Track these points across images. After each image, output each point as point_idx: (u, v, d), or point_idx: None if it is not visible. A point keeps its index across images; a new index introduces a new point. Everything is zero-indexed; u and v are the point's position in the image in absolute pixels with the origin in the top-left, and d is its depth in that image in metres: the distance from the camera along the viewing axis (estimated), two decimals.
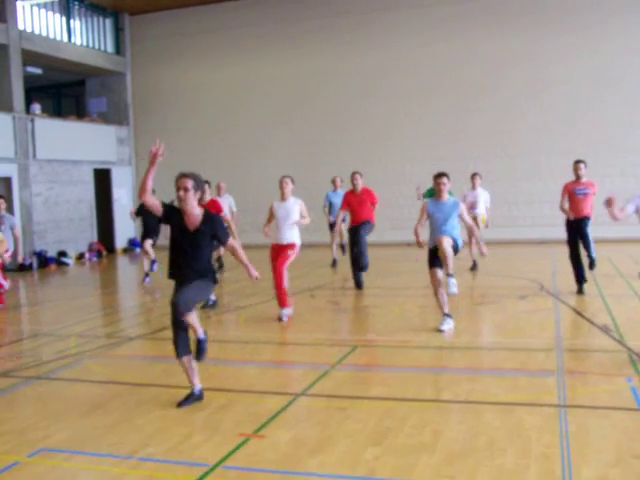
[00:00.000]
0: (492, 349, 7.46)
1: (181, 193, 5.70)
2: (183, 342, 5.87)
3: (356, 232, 11.73)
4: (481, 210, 13.65)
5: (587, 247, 10.52)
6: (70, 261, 18.87)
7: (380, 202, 12.17)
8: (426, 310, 9.65)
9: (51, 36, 19.67)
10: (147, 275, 13.67)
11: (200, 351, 5.82)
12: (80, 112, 22.97)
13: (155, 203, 5.78)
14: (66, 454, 4.93)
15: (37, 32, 19.15)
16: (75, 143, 19.73)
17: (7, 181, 17.67)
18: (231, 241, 6.04)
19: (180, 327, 5.80)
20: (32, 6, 18.98)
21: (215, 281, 5.96)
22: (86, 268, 18.53)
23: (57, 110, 23.38)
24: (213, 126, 21.76)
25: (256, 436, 5.11)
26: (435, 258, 8.47)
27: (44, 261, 18.12)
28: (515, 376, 6.33)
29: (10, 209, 17.70)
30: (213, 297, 10.20)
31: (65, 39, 20.24)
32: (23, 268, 17.55)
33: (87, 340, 8.85)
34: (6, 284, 11.74)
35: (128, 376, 6.95)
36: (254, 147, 21.25)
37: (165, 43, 22.15)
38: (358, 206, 11.81)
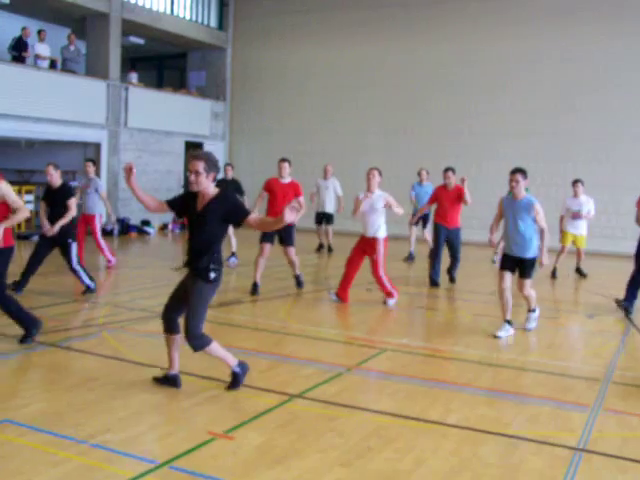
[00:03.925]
0: (530, 370, 6.66)
1: (192, 177, 5.30)
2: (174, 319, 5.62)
3: (449, 237, 11.29)
4: (582, 229, 12.58)
5: None
6: (152, 230, 19.07)
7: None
8: (479, 319, 8.90)
9: (154, 8, 19.84)
10: (233, 254, 13.51)
11: (234, 384, 5.62)
12: (181, 85, 23.18)
13: (162, 208, 5.60)
14: (25, 429, 4.69)
15: (140, 3, 19.33)
16: (169, 114, 19.88)
17: (97, 147, 18.00)
18: (252, 217, 5.36)
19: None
20: None
21: (210, 281, 5.35)
22: (167, 239, 18.69)
23: (159, 81, 23.70)
24: (316, 108, 21.26)
25: (225, 436, 4.68)
26: (507, 261, 7.78)
27: (126, 228, 18.38)
28: (541, 405, 5.57)
29: (97, 174, 18.09)
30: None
31: (168, 11, 20.38)
32: (105, 233, 17.87)
33: (120, 311, 8.72)
34: (113, 259, 12.20)
35: (136, 354, 6.69)
36: (358, 132, 20.66)
37: (269, 21, 21.90)
38: (449, 203, 11.20)
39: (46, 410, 5.09)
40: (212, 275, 5.38)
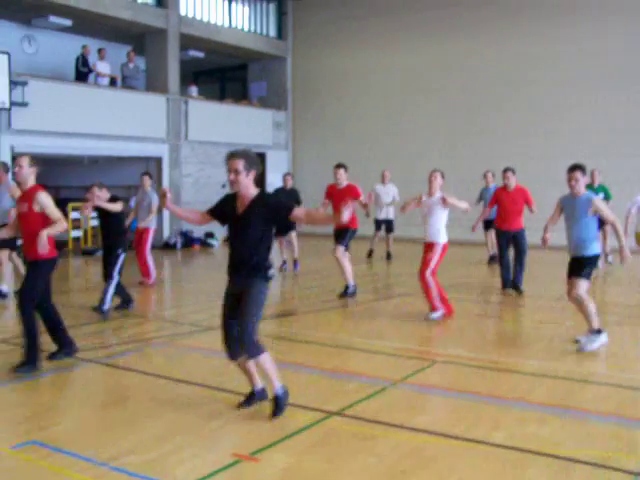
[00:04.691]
0: (591, 383, 6.15)
1: (232, 176, 5.02)
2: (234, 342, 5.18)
3: (514, 239, 10.69)
4: None
5: None
6: (216, 243, 19.09)
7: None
8: (543, 327, 8.37)
9: (212, 21, 19.96)
10: (285, 262, 13.50)
11: (278, 409, 5.16)
12: (244, 96, 23.25)
13: (205, 219, 5.41)
14: (48, 450, 4.56)
15: (198, 17, 19.48)
16: (230, 126, 19.92)
17: (158, 161, 18.19)
18: (297, 210, 5.10)
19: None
20: None
21: (267, 278, 5.13)
22: None
23: (221, 93, 23.85)
24: (377, 114, 20.98)
25: (250, 458, 4.42)
26: (572, 265, 7.26)
27: (189, 241, 18.47)
28: (601, 422, 5.09)
29: (159, 189, 18.26)
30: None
31: (226, 23, 20.47)
32: (167, 246, 18.05)
33: (167, 326, 8.62)
34: (153, 276, 11.65)
35: (175, 370, 6.51)
36: (419, 139, 20.24)
37: (328, 28, 21.74)
38: (510, 205, 10.69)
39: (74, 430, 4.97)
40: (271, 271, 5.14)
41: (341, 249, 9.93)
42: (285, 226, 12.87)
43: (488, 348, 7.50)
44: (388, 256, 15.27)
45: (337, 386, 6.07)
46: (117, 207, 9.01)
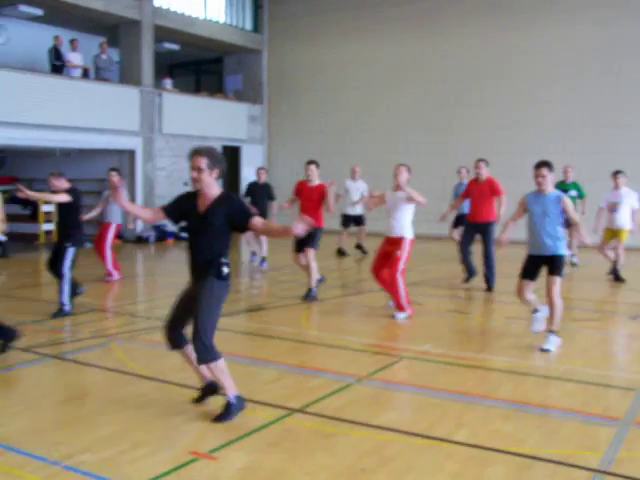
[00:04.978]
0: (559, 379, 6.11)
1: (194, 174, 4.91)
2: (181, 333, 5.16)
3: (480, 233, 10.61)
4: (624, 220, 11.62)
5: None
6: None
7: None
8: (512, 323, 8.33)
9: (187, 13, 19.73)
10: (254, 254, 13.61)
11: (226, 416, 4.94)
12: (219, 89, 23.04)
13: (159, 216, 5.24)
14: (0, 449, 4.41)
15: (172, 9, 19.25)
16: (205, 119, 19.73)
17: (131, 154, 17.96)
18: (256, 220, 4.94)
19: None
20: None
21: (222, 277, 4.94)
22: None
23: (197, 86, 23.63)
24: (352, 109, 20.87)
25: (208, 457, 4.33)
26: (530, 269, 7.19)
27: (163, 235, 18.27)
28: (565, 419, 5.05)
29: (132, 182, 18.08)
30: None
31: (201, 15, 20.26)
32: (141, 240, 17.85)
33: (135, 320, 8.51)
34: (114, 273, 11.40)
35: (138, 366, 6.39)
36: (395, 132, 20.15)
37: (304, 22, 21.60)
38: (478, 197, 10.63)
39: (27, 428, 4.83)
40: (225, 270, 4.92)
41: (312, 252, 9.71)
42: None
43: (456, 344, 7.45)
44: (358, 247, 15.09)
45: (301, 382, 5.98)
46: (57, 198, 8.60)
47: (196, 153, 4.92)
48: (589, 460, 4.31)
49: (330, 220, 15.91)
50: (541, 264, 7.14)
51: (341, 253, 15.12)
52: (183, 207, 5.13)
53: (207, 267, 4.92)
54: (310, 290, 9.73)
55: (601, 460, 4.31)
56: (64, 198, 8.54)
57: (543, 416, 5.14)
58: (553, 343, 6.99)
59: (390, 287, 8.60)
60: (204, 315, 4.81)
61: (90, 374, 6.23)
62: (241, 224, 4.95)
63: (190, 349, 5.05)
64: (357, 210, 14.83)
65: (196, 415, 5.06)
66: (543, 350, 6.93)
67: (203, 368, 5.10)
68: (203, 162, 4.87)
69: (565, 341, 7.40)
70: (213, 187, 4.95)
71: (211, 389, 5.23)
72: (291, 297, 9.89)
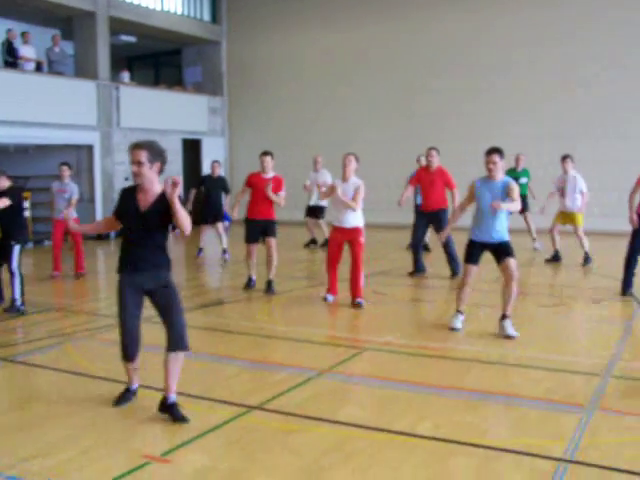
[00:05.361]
0: (523, 367, 6.03)
1: (134, 168, 4.77)
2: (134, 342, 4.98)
3: (433, 220, 10.66)
4: (576, 203, 11.70)
5: None
6: None
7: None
8: (477, 310, 8.22)
9: (144, 4, 19.34)
10: (201, 250, 13.49)
11: (179, 415, 4.81)
12: (179, 82, 22.66)
13: (113, 223, 5.23)
14: None
15: (128, 0, 18.83)
16: (164, 112, 19.36)
17: (89, 149, 17.56)
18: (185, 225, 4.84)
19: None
20: None
21: (170, 269, 4.95)
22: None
23: (156, 79, 23.21)
24: (311, 99, 20.69)
25: (160, 460, 4.15)
26: (475, 254, 7.12)
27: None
28: (529, 407, 4.96)
29: (91, 177, 17.70)
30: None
31: (158, 7, 19.87)
32: (100, 236, 17.46)
33: (92, 319, 8.24)
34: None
35: (93, 366, 6.17)
36: (354, 122, 19.99)
37: (263, 11, 21.28)
38: (429, 185, 10.62)
39: None
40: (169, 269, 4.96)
41: (274, 241, 9.57)
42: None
43: (420, 334, 7.35)
44: (312, 242, 14.87)
45: (262, 378, 5.82)
46: None
47: (136, 147, 4.79)
48: (553, 449, 4.23)
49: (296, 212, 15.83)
50: (484, 251, 7.09)
51: (314, 242, 14.92)
52: (124, 204, 4.96)
53: (159, 265, 4.87)
54: (270, 282, 9.59)
55: (565, 449, 4.22)
56: (3, 203, 8.28)
57: (507, 405, 5.06)
58: (512, 327, 6.98)
59: (353, 278, 8.57)
60: (179, 308, 4.86)
61: (42, 377, 5.99)
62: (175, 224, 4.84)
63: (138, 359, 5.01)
64: (320, 201, 14.61)
65: (152, 417, 4.86)
66: (508, 336, 6.87)
67: (135, 372, 5.10)
68: (143, 155, 4.74)
69: (530, 327, 7.40)
70: (155, 182, 4.82)
71: (133, 394, 5.18)
72: (252, 290, 9.71)
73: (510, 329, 6.94)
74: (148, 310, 5.04)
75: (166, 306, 4.84)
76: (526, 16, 17.82)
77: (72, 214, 10.96)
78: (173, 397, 4.82)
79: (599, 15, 17.06)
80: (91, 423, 4.77)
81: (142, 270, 4.86)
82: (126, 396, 5.16)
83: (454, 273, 10.54)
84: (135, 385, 5.20)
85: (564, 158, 11.90)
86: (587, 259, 11.72)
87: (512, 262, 6.95)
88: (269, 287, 9.55)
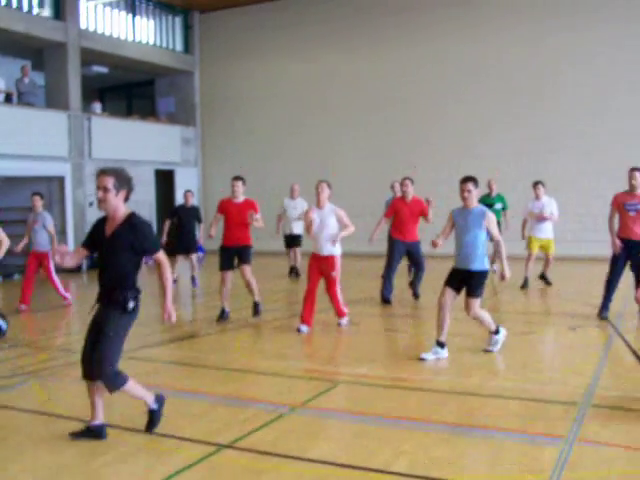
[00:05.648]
0: (501, 397, 5.90)
1: (100, 194, 4.80)
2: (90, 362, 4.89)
3: (410, 250, 10.81)
4: (549, 229, 11.85)
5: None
6: None
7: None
8: (452, 340, 8.07)
9: (115, 35, 19.27)
10: (175, 280, 13.16)
11: (152, 424, 5.02)
12: (152, 112, 22.54)
13: (82, 255, 5.12)
14: None
15: (100, 31, 18.76)
16: (137, 143, 19.22)
17: (61, 180, 17.31)
18: (160, 255, 4.96)
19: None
20: (96, 5, 18.65)
21: (125, 310, 4.83)
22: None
23: (128, 110, 23.07)
24: (285, 127, 20.65)
25: None
26: (453, 279, 7.11)
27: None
28: (507, 440, 4.84)
29: (63, 209, 17.44)
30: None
31: (130, 37, 19.82)
32: (72, 270, 17.16)
33: (59, 355, 7.99)
34: (68, 297, 11.55)
35: (57, 404, 5.95)
36: (328, 150, 19.98)
37: (235, 41, 21.29)
38: (410, 216, 10.59)
39: None
40: (131, 305, 4.85)
41: (249, 268, 9.51)
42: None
43: (394, 365, 7.19)
44: (292, 271, 14.70)
45: (232, 415, 5.62)
46: None
47: (102, 173, 4.81)
48: None
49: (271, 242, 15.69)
50: (462, 278, 7.12)
51: (293, 272, 14.70)
52: (95, 233, 5.00)
53: (112, 295, 4.83)
54: (256, 304, 9.70)
55: None
56: None
57: (486, 438, 4.92)
58: (497, 342, 7.37)
59: (330, 300, 8.96)
60: (106, 345, 4.76)
61: (4, 417, 5.74)
62: (144, 253, 4.88)
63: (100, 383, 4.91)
64: (294, 230, 14.50)
65: (117, 457, 4.67)
66: (487, 351, 7.31)
67: (99, 406, 4.97)
68: (110, 182, 4.76)
69: (505, 357, 7.31)
70: (120, 209, 4.84)
71: (93, 433, 4.95)
72: (226, 322, 9.53)
73: (492, 348, 7.37)
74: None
75: (100, 326, 4.82)
76: (491, 40, 18.06)
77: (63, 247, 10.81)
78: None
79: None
80: (55, 464, 4.56)
81: (101, 300, 4.93)
82: (86, 434, 4.97)
83: (415, 294, 11.03)
84: (97, 422, 4.97)
85: (535, 184, 11.95)
86: (547, 281, 12.22)
87: (474, 302, 7.15)
88: (256, 309, 9.67)
